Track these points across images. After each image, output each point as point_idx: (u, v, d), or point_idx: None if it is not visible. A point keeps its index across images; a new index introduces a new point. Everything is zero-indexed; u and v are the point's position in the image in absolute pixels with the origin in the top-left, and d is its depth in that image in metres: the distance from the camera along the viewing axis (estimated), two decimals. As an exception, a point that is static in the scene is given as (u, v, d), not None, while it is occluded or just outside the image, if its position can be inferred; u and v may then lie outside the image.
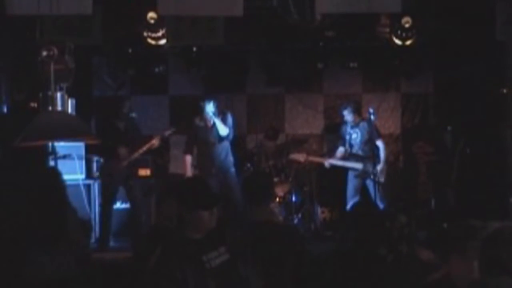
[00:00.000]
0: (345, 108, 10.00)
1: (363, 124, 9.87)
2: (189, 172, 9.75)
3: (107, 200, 9.31)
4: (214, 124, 9.60)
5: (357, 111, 10.03)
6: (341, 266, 4.74)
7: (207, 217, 3.96)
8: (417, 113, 11.63)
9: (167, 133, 9.70)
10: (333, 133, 11.46)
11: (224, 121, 9.62)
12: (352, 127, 9.91)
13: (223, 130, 9.57)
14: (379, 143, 9.89)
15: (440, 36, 10.12)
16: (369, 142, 9.77)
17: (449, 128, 10.81)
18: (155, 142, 9.35)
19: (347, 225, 4.95)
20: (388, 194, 9.87)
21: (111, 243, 9.43)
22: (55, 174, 5.59)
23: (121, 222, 9.66)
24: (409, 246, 4.57)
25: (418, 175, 11.44)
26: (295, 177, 10.22)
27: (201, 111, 9.67)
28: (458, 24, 9.63)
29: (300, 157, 10.12)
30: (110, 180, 9.23)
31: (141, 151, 9.27)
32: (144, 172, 10.28)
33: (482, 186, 9.68)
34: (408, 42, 9.52)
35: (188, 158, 9.88)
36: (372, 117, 9.85)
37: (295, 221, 10.01)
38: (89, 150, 9.71)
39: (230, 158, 9.76)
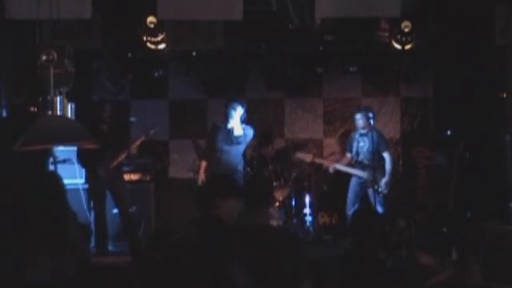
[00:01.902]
0: (358, 112, 10.01)
1: (373, 134, 9.89)
2: (202, 177, 9.77)
3: (99, 204, 9.27)
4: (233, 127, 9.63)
5: (370, 119, 10.01)
6: (340, 270, 4.73)
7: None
8: (416, 117, 11.63)
9: (152, 131, 9.57)
10: (333, 137, 11.51)
11: (245, 129, 9.67)
12: (361, 135, 9.92)
13: (238, 130, 9.58)
14: (386, 155, 9.93)
15: (440, 41, 10.12)
16: (376, 153, 9.82)
17: (448, 132, 10.80)
18: (131, 150, 9.29)
19: (348, 231, 4.94)
20: (388, 202, 9.89)
21: (110, 247, 9.42)
22: (55, 178, 5.59)
23: (119, 227, 9.64)
24: (408, 250, 4.57)
25: (417, 179, 11.43)
26: (294, 181, 10.22)
27: (227, 115, 9.69)
28: (457, 28, 9.63)
29: (306, 157, 10.11)
30: (98, 184, 9.17)
31: (120, 158, 9.20)
32: (144, 176, 10.29)
33: (482, 191, 9.67)
34: (407, 47, 9.51)
35: (204, 164, 9.91)
36: (371, 121, 9.88)
37: (295, 225, 10.00)
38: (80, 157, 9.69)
39: (241, 166, 9.78)
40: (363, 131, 9.94)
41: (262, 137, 10.78)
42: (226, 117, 9.73)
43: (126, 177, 9.76)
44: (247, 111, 9.81)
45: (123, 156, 9.17)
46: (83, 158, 9.11)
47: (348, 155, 10.13)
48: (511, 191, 9.14)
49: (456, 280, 3.65)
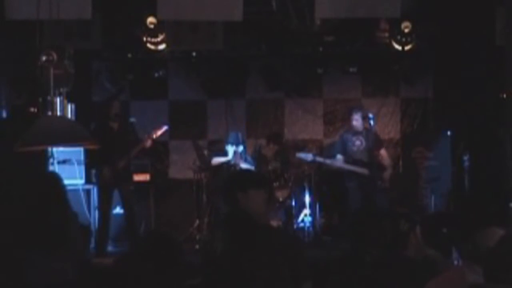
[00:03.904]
0: (357, 112, 10.00)
1: (367, 133, 9.90)
2: None
3: (105, 204, 9.29)
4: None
5: (365, 119, 10.02)
6: (340, 271, 4.73)
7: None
8: (416, 118, 11.63)
9: (159, 132, 9.63)
10: (333, 137, 11.51)
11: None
12: (354, 134, 9.89)
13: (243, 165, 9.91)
14: (383, 151, 9.98)
15: (440, 41, 10.12)
16: (372, 151, 9.83)
17: (448, 133, 10.80)
18: (146, 143, 9.31)
19: (349, 230, 4.94)
20: (388, 198, 9.90)
21: (110, 248, 9.43)
22: (56, 179, 5.58)
23: (119, 227, 9.65)
24: (411, 249, 4.56)
25: (417, 180, 11.42)
26: (294, 181, 10.22)
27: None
28: (457, 29, 9.63)
29: (307, 157, 10.10)
30: (107, 184, 9.19)
31: (132, 155, 9.23)
32: (144, 177, 10.29)
33: (482, 191, 9.67)
34: (407, 47, 9.52)
35: None
36: (371, 122, 9.88)
37: (295, 226, 10.00)
38: (88, 155, 9.72)
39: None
40: (356, 131, 9.94)
41: (273, 135, 10.86)
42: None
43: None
44: (245, 147, 10.26)
45: (133, 154, 9.19)
46: (93, 157, 9.15)
47: (339, 156, 10.06)
48: (511, 191, 9.14)
49: (457, 281, 3.65)
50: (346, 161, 10.01)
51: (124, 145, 9.16)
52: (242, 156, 10.02)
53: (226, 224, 4.44)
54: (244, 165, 9.92)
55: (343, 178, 10.18)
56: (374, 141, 10.01)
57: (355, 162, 9.95)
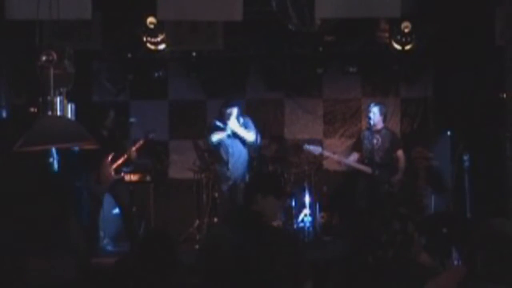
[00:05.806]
0: (374, 106, 9.93)
1: (386, 132, 9.86)
2: None
3: (95, 207, 9.28)
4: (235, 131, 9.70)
5: (384, 116, 9.98)
6: (341, 270, 4.73)
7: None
8: (416, 118, 11.64)
9: (151, 135, 9.63)
10: (333, 138, 11.51)
11: (246, 126, 9.68)
12: (373, 133, 9.84)
13: (250, 136, 9.65)
14: (400, 154, 9.88)
15: (440, 41, 10.12)
16: (389, 151, 9.77)
17: (448, 133, 10.80)
18: (131, 153, 9.31)
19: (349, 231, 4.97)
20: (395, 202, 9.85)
21: (110, 247, 9.44)
22: (57, 179, 5.59)
23: (119, 227, 9.66)
24: (410, 250, 4.56)
25: (417, 180, 11.41)
26: (294, 181, 10.22)
27: (223, 116, 9.77)
28: (457, 29, 9.63)
29: (315, 150, 10.08)
30: (98, 187, 9.19)
31: (119, 162, 9.23)
32: (143, 177, 10.30)
33: (482, 191, 9.67)
34: (407, 47, 9.52)
35: None
36: (371, 121, 9.86)
37: (295, 226, 10.00)
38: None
39: (245, 169, 9.82)
40: (375, 129, 9.88)
41: (275, 137, 10.86)
42: (224, 120, 9.76)
43: (126, 177, 9.78)
44: (241, 108, 9.96)
45: (121, 160, 9.19)
46: (86, 160, 9.14)
47: (355, 154, 10.06)
48: (511, 191, 9.14)
49: (457, 281, 3.64)
50: (358, 160, 9.97)
51: (114, 150, 9.18)
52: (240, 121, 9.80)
53: (236, 222, 4.46)
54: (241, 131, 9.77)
55: (348, 177, 10.17)
56: (391, 141, 9.93)
57: (366, 161, 9.91)
